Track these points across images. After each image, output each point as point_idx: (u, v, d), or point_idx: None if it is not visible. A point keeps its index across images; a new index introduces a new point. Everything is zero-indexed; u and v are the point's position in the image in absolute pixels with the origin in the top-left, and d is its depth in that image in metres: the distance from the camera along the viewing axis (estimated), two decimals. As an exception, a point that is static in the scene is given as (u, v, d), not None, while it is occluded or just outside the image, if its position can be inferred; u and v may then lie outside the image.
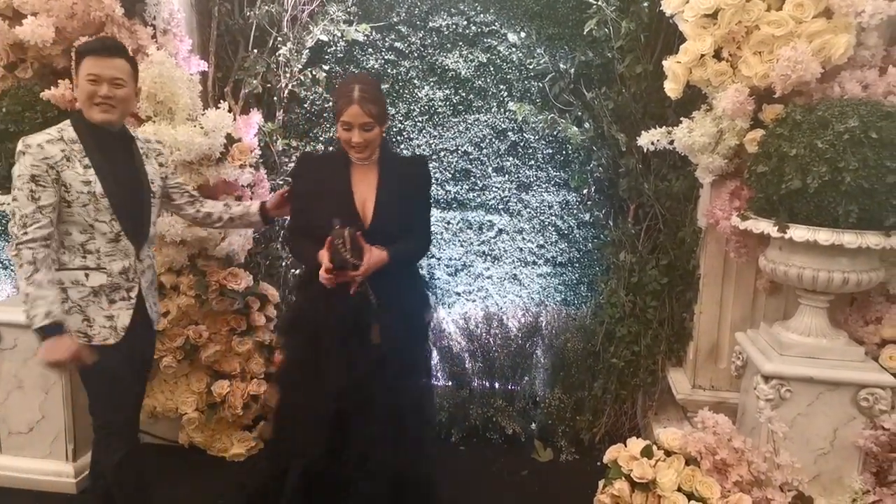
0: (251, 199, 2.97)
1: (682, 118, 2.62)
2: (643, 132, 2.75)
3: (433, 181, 3.52)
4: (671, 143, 2.66)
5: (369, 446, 2.20)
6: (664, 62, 2.57)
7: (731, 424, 2.18)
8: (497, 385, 3.49)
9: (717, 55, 2.43)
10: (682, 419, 3.00)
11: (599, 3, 2.96)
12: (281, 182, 3.39)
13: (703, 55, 2.41)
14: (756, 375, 2.35)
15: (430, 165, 3.49)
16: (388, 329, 2.19)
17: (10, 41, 2.48)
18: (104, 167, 2.04)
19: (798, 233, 2.16)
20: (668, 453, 2.12)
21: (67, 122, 2.07)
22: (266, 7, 3.20)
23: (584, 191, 3.42)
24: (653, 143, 2.71)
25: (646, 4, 2.81)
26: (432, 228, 3.51)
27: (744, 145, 2.46)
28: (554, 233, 3.55)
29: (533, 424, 3.35)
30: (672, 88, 2.53)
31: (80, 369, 2.14)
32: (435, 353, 3.59)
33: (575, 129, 3.23)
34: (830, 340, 2.34)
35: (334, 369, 2.17)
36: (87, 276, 2.07)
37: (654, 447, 2.14)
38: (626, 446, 2.18)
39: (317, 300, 2.19)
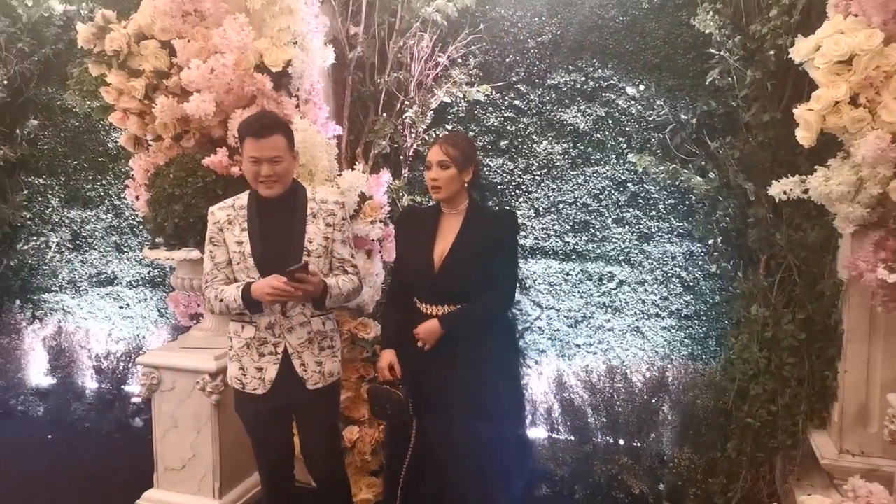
0: (381, 252, 3.14)
1: (815, 166, 2.51)
2: (774, 181, 2.65)
3: (552, 233, 3.59)
4: (805, 192, 2.56)
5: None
6: (794, 110, 2.49)
7: (888, 495, 2.01)
8: (622, 441, 3.39)
9: (854, 101, 2.33)
10: (827, 486, 2.78)
11: (722, 53, 2.93)
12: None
13: (837, 102, 2.32)
14: (914, 442, 2.16)
15: (549, 217, 3.58)
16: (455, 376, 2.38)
17: (177, 115, 2.81)
18: (258, 230, 2.23)
19: (956, 287, 2.00)
20: (815, 523, 1.98)
21: (249, 191, 2.31)
22: (395, 74, 3.45)
23: (710, 241, 3.32)
24: (785, 193, 2.62)
25: (772, 53, 2.75)
26: (552, 279, 3.61)
27: (888, 194, 2.32)
28: (678, 284, 3.47)
29: (661, 484, 3.22)
30: (805, 137, 2.44)
31: (237, 412, 2.36)
32: (556, 406, 3.57)
33: (699, 178, 3.17)
34: None
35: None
36: (242, 327, 2.28)
37: (799, 515, 2.01)
38: (766, 513, 2.06)
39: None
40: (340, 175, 2.98)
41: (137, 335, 4.41)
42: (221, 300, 2.21)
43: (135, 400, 4.17)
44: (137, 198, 3.05)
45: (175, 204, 2.75)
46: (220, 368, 2.80)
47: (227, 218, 2.27)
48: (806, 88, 2.61)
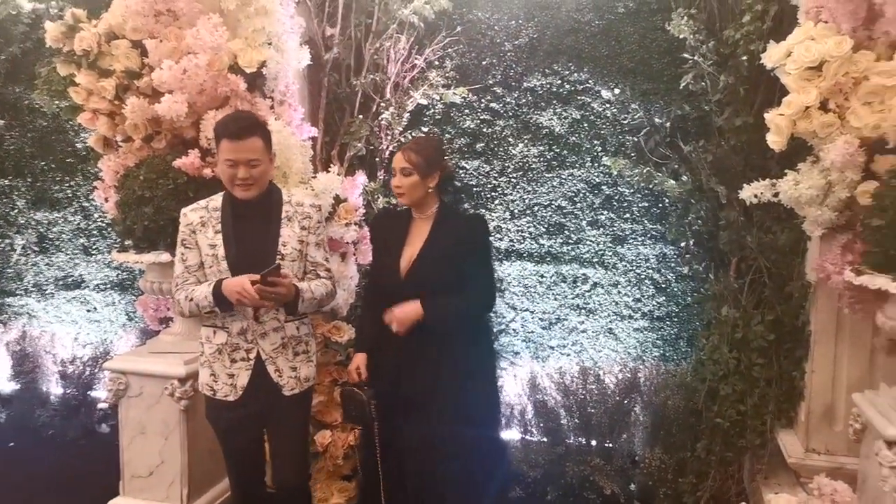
0: (355, 255, 3.12)
1: (786, 170, 2.56)
2: (745, 185, 2.70)
3: (527, 236, 3.61)
4: (776, 195, 2.60)
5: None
6: (766, 114, 2.53)
7: (852, 493, 2.05)
8: (594, 442, 3.42)
9: (823, 106, 2.38)
10: (794, 484, 2.83)
11: (696, 57, 2.98)
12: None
13: (807, 107, 2.36)
14: (878, 441, 2.19)
15: (524, 220, 3.59)
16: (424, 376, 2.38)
17: (148, 116, 2.75)
18: (233, 232, 2.20)
19: (920, 289, 2.04)
20: (784, 521, 2.02)
21: (222, 193, 2.26)
22: (371, 76, 3.44)
23: (682, 244, 3.37)
24: (756, 196, 2.66)
25: (745, 58, 2.80)
26: (526, 281, 3.62)
27: (855, 198, 2.38)
28: (651, 286, 3.51)
29: (632, 485, 3.25)
30: (775, 141, 2.49)
31: (207, 418, 2.31)
32: (530, 408, 3.59)
33: (672, 182, 3.21)
34: (961, 404, 2.17)
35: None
36: (214, 333, 2.24)
37: (768, 514, 2.04)
38: (737, 512, 2.09)
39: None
40: (315, 177, 2.96)
41: (105, 340, 4.33)
42: (191, 299, 2.16)
43: (101, 406, 4.10)
44: (106, 200, 3.00)
45: (145, 206, 2.70)
46: (189, 373, 2.76)
47: (200, 220, 2.23)
48: (777, 94, 2.65)
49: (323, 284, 2.30)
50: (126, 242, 2.89)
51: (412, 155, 2.34)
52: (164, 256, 2.74)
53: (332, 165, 3.26)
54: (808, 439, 2.75)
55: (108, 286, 4.31)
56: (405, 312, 2.34)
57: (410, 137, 3.57)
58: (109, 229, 4.17)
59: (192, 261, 2.23)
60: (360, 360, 2.50)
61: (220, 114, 2.72)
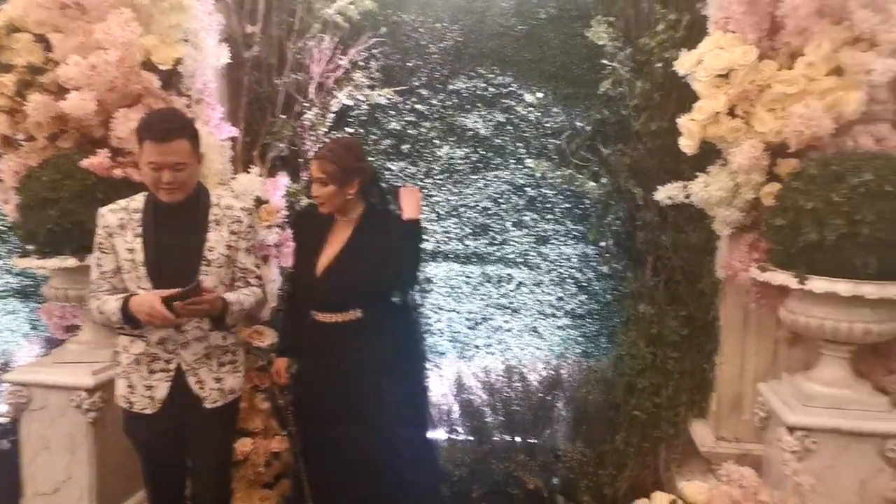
0: (277, 257, 3.05)
1: (697, 173, 2.68)
2: (660, 187, 2.81)
3: (452, 237, 3.63)
4: (688, 196, 2.72)
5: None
6: (679, 119, 2.64)
7: (758, 477, 2.16)
8: (518, 439, 3.47)
9: (731, 112, 2.50)
10: (706, 471, 2.96)
11: (614, 64, 3.08)
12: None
13: (717, 113, 2.48)
14: (780, 427, 2.33)
15: (450, 221, 3.62)
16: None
17: (53, 114, 2.59)
18: (154, 236, 2.07)
19: (817, 284, 2.18)
20: (695, 508, 2.11)
21: (145, 193, 2.13)
22: (294, 75, 3.36)
23: (602, 243, 3.47)
24: (670, 198, 2.77)
25: (659, 65, 2.91)
26: (452, 282, 3.64)
27: (760, 199, 2.51)
28: (573, 285, 3.60)
29: (555, 479, 3.32)
30: (687, 145, 2.60)
31: (125, 432, 2.20)
32: (456, 407, 3.61)
33: (592, 183, 3.31)
34: (854, 391, 2.33)
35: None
36: (131, 342, 2.12)
37: (679, 501, 2.13)
38: (650, 500, 2.16)
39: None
40: (234, 178, 2.87)
41: (4, 350, 4.04)
42: (102, 312, 2.05)
43: (0, 421, 3.82)
44: (6, 202, 2.80)
45: (49, 209, 2.53)
46: (98, 384, 2.62)
47: (119, 222, 2.10)
48: (689, 100, 2.76)
49: (253, 293, 2.21)
50: (28, 247, 2.71)
51: (327, 165, 2.27)
52: (70, 262, 2.58)
53: (252, 166, 3.17)
54: (717, 428, 2.89)
55: (9, 293, 4.03)
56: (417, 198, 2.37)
57: (335, 138, 3.52)
58: (10, 233, 3.91)
59: (108, 266, 2.10)
60: (280, 364, 2.45)
61: (133, 112, 2.59)
